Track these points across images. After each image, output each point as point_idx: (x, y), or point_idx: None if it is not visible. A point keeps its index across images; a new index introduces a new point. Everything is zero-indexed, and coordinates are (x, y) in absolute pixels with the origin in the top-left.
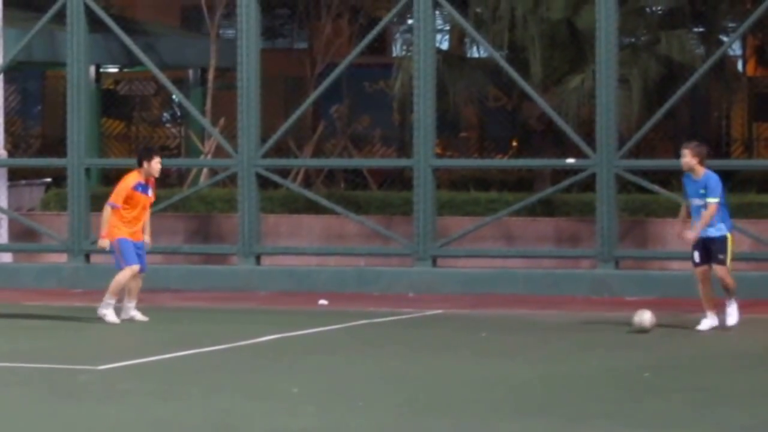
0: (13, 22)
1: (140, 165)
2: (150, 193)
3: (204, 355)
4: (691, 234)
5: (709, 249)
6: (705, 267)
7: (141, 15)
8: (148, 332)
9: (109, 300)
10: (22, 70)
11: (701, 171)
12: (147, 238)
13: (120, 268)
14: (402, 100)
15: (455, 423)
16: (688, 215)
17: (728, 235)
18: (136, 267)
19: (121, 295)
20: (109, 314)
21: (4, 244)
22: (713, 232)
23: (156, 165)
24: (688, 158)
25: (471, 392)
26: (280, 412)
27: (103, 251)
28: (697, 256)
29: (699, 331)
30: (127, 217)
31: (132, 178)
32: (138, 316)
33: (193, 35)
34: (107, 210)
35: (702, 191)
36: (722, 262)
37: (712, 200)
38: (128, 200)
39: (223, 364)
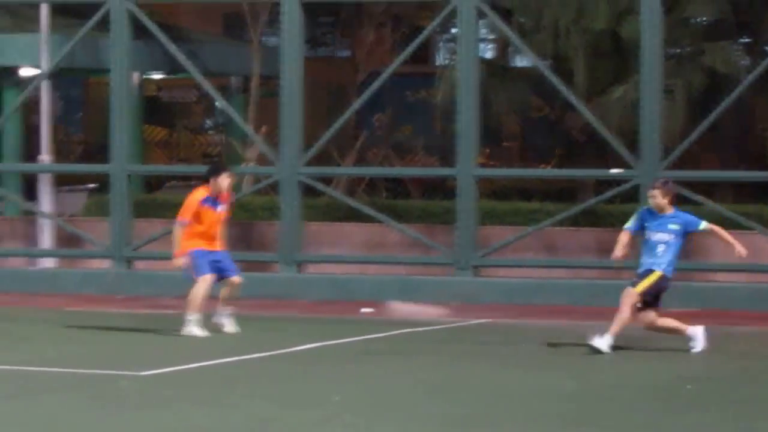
0: (57, 29)
1: (207, 181)
2: (219, 208)
3: (245, 363)
4: (743, 250)
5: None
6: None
7: (183, 22)
8: (190, 339)
9: (190, 317)
10: (65, 76)
11: (670, 209)
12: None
13: (192, 280)
14: (444, 109)
15: None
16: (629, 244)
17: (658, 272)
18: (208, 277)
19: (202, 307)
20: (195, 330)
21: (47, 249)
22: (650, 265)
23: (223, 181)
24: (658, 199)
25: (513, 403)
26: (319, 421)
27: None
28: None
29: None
30: (196, 230)
31: (199, 194)
32: (227, 325)
33: (235, 43)
34: (177, 228)
35: (673, 227)
36: (633, 285)
37: (706, 225)
38: (196, 215)
39: (264, 371)
